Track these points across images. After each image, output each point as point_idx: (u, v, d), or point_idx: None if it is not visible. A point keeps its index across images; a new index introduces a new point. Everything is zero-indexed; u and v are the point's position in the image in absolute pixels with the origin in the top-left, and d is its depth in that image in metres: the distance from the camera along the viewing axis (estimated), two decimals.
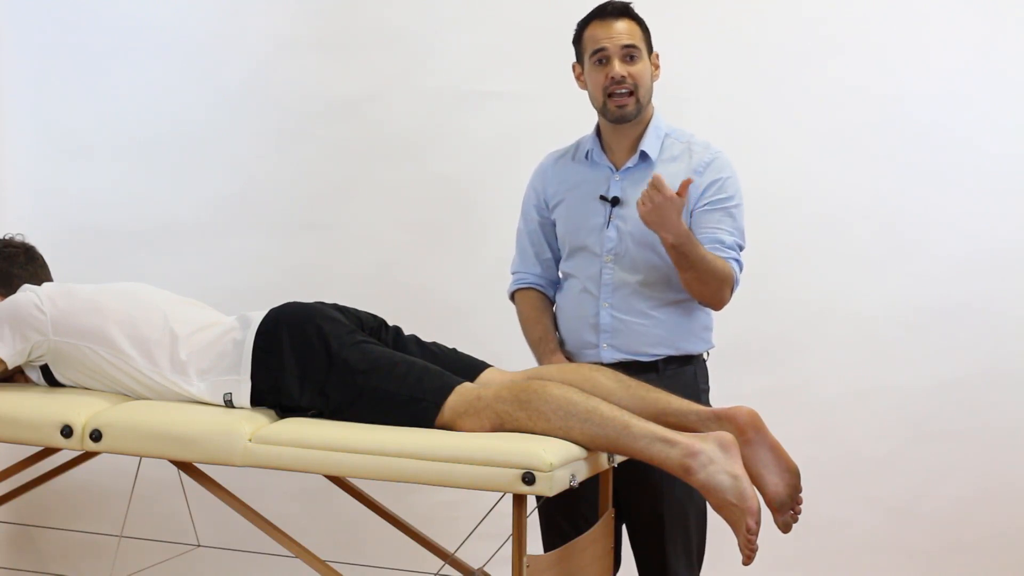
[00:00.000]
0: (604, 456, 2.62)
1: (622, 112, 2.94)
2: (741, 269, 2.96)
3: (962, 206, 3.91)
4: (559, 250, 3.11)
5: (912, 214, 3.92)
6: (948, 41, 3.91)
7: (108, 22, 4.14)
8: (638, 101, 2.94)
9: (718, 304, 2.97)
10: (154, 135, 4.12)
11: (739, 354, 3.83)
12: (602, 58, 2.93)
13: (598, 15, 2.96)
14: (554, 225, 3.10)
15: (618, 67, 2.91)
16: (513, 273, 3.18)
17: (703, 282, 2.89)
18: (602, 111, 2.97)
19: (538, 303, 3.11)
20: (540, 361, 3.04)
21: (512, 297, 3.18)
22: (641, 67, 2.94)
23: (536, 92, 3.94)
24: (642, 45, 2.94)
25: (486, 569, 2.68)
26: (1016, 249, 3.91)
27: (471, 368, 2.80)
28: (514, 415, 2.52)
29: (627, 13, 2.96)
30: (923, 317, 3.92)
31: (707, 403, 3.03)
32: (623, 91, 2.92)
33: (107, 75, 4.14)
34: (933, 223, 3.92)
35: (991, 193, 3.91)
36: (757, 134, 3.91)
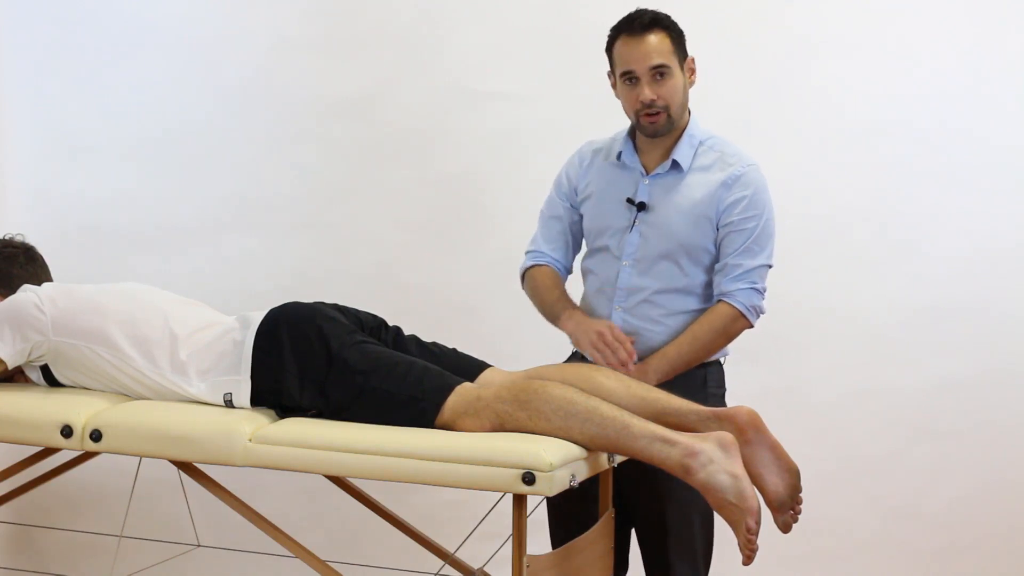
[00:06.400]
0: (604, 456, 2.62)
1: (654, 128, 2.90)
2: (762, 294, 2.94)
3: (962, 206, 3.91)
4: (579, 242, 3.10)
5: (912, 214, 3.92)
6: (948, 41, 3.91)
7: (108, 22, 4.14)
8: (670, 117, 2.90)
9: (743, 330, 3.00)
10: (154, 135, 4.12)
11: (739, 354, 3.82)
12: (631, 78, 2.88)
13: (627, 28, 2.89)
14: (581, 217, 3.08)
15: (647, 91, 2.86)
16: (529, 252, 3.13)
17: (711, 352, 2.96)
18: (636, 125, 2.94)
19: (554, 275, 3.08)
20: (558, 319, 2.99)
21: (523, 275, 3.12)
22: (672, 84, 2.88)
23: (538, 92, 3.94)
24: (673, 60, 2.88)
25: (486, 569, 2.68)
26: (1016, 249, 3.91)
27: (471, 368, 2.80)
28: (514, 415, 2.52)
29: (657, 23, 2.88)
30: (923, 317, 3.92)
31: (717, 406, 3.02)
32: (654, 111, 2.89)
33: (107, 75, 4.14)
34: (933, 223, 3.92)
35: (991, 193, 3.91)
36: (756, 134, 3.90)
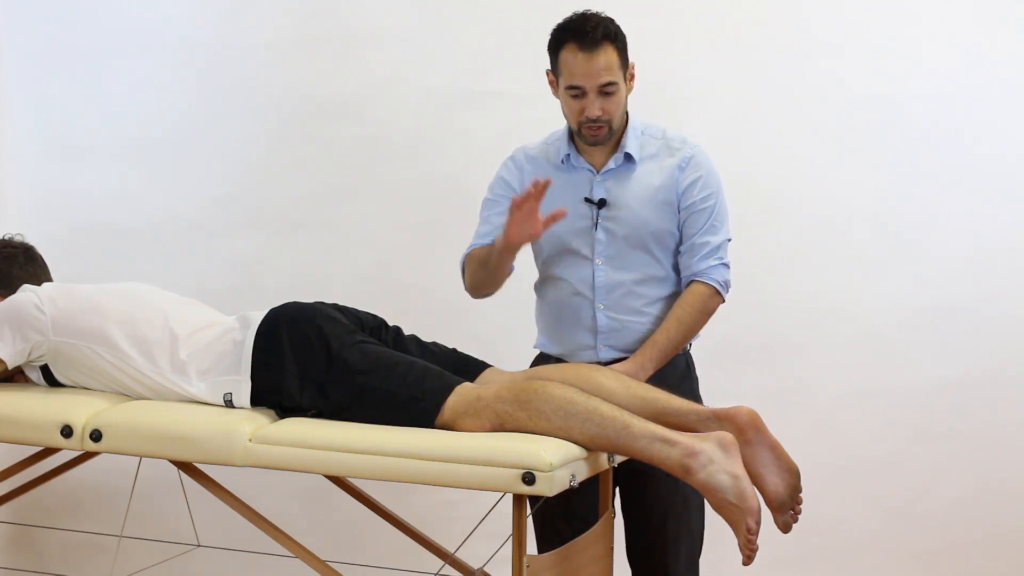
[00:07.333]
0: (604, 456, 2.63)
1: (596, 140, 2.92)
2: (728, 268, 2.97)
3: (962, 206, 3.91)
4: None
5: (912, 214, 3.92)
6: (948, 41, 3.91)
7: (108, 22, 4.14)
8: (611, 129, 2.91)
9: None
10: (154, 135, 4.12)
11: (738, 354, 3.84)
12: (577, 94, 2.87)
13: (577, 39, 2.84)
14: None
15: (594, 108, 2.86)
16: (470, 248, 3.05)
17: (695, 333, 2.96)
18: (577, 133, 2.95)
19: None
20: (491, 250, 2.90)
21: (462, 269, 3.05)
22: (617, 99, 2.88)
23: (535, 92, 3.91)
24: (619, 74, 2.86)
25: (486, 569, 2.68)
26: (1016, 249, 3.91)
27: (471, 368, 2.80)
28: (514, 415, 2.52)
29: (607, 38, 2.84)
30: (923, 317, 3.92)
31: (698, 392, 3.04)
32: (598, 125, 2.89)
33: (107, 75, 4.14)
34: (933, 223, 3.92)
35: (991, 193, 3.91)
36: (757, 134, 3.91)
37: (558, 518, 2.96)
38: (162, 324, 2.80)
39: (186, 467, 2.70)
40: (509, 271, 2.97)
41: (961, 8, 3.90)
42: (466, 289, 3.07)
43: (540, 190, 2.75)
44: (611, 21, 2.88)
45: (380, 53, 4.04)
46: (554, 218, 2.81)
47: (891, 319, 3.94)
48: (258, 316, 2.78)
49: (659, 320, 2.96)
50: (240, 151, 4.10)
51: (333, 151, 4.07)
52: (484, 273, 2.97)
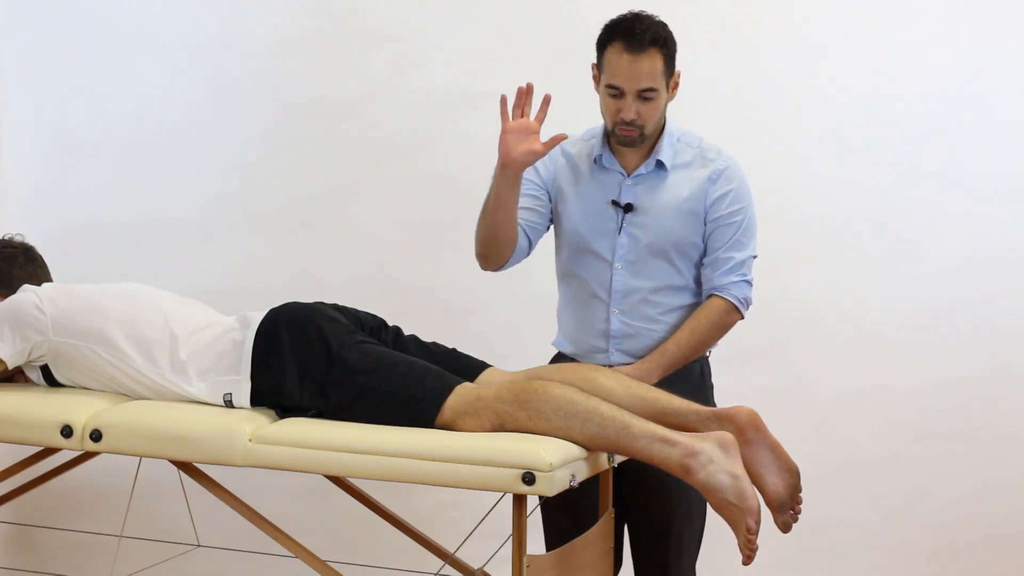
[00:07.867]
0: (604, 456, 2.63)
1: (629, 140, 2.90)
2: (751, 285, 2.96)
3: (962, 206, 3.91)
4: (535, 229, 3.03)
5: (912, 214, 3.93)
6: (948, 41, 3.91)
7: (108, 21, 4.14)
8: (644, 134, 2.88)
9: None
10: (154, 134, 4.12)
11: (738, 354, 3.82)
12: (616, 94, 2.86)
13: (625, 39, 2.82)
14: (549, 211, 3.03)
15: (629, 112, 2.84)
16: None
17: (708, 346, 2.96)
18: (610, 132, 2.93)
19: None
20: (491, 190, 2.90)
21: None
22: (655, 105, 2.85)
23: (537, 92, 3.93)
24: (661, 81, 2.84)
25: (486, 569, 2.68)
26: (1016, 249, 3.91)
27: (471, 368, 2.80)
28: (514, 415, 2.52)
29: (655, 43, 2.81)
30: (923, 317, 3.92)
31: (713, 399, 3.03)
32: (632, 128, 2.87)
33: (107, 74, 4.14)
34: (933, 223, 3.92)
35: (991, 193, 3.91)
36: (757, 134, 3.91)
37: (564, 518, 2.96)
38: (162, 324, 2.80)
39: (186, 467, 2.70)
40: (514, 229, 2.91)
41: (961, 8, 3.91)
42: (476, 255, 3.01)
43: (528, 91, 2.82)
44: (663, 26, 2.86)
45: (380, 53, 4.04)
46: (555, 140, 2.80)
47: (891, 319, 3.94)
48: (258, 316, 2.78)
49: (674, 329, 2.95)
50: (240, 151, 4.10)
51: (333, 151, 4.07)
52: (487, 220, 2.92)
